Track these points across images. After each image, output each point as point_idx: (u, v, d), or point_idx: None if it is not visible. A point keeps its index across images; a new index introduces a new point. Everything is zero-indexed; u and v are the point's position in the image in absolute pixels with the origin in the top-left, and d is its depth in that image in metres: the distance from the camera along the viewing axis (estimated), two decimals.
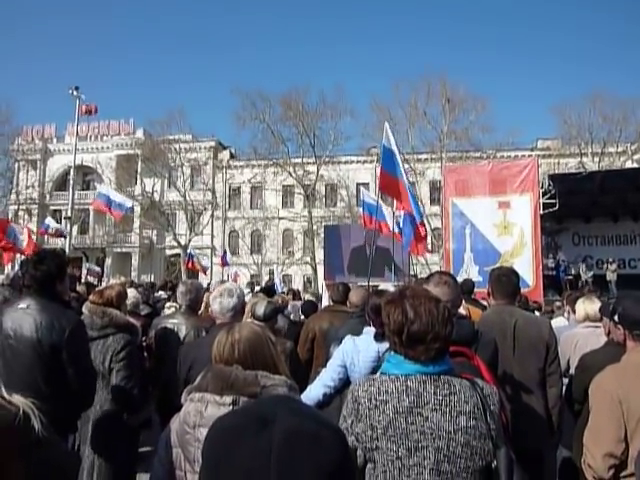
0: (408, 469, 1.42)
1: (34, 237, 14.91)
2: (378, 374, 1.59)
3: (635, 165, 29.55)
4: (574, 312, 4.36)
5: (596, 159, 31.95)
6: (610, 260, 16.61)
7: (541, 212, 11.65)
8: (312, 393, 2.84)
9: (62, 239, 19.29)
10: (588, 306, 3.86)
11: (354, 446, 1.48)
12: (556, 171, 24.55)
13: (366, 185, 33.65)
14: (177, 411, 1.63)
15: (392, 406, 1.45)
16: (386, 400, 1.46)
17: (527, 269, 10.79)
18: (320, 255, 25.48)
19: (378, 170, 8.74)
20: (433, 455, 1.41)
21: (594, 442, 2.09)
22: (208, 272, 31.23)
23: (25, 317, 2.52)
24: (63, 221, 27.08)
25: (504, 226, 11.68)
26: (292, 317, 6.41)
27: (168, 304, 6.07)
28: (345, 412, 1.54)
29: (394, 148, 7.15)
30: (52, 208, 39.84)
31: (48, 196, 42.02)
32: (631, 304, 2.32)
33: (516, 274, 3.22)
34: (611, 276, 16.15)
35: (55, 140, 42.32)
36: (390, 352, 1.62)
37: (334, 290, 5.00)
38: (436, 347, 1.49)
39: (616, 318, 2.35)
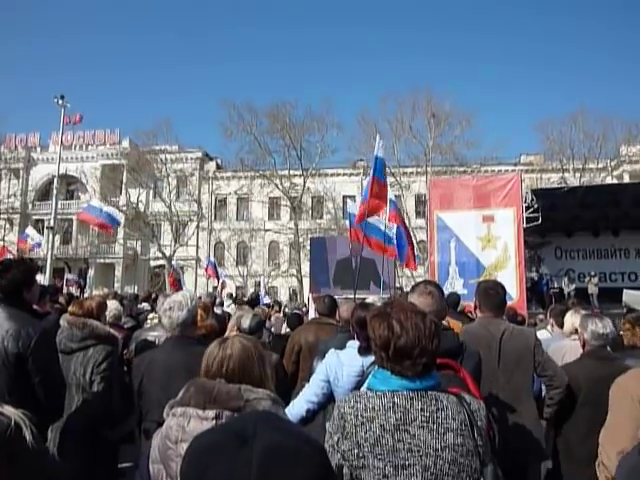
0: None
1: (12, 248, 14.71)
2: (364, 390, 1.56)
3: (615, 181, 30.22)
4: (558, 325, 4.40)
5: (577, 174, 32.64)
6: (592, 274, 16.84)
7: (524, 226, 11.81)
8: (295, 410, 2.76)
9: (44, 250, 18.97)
10: (576, 320, 3.84)
11: (340, 464, 1.45)
12: (538, 186, 24.97)
13: (352, 198, 33.79)
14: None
15: (379, 423, 1.43)
16: (372, 417, 1.44)
17: (511, 282, 10.88)
18: (306, 267, 25.44)
19: (365, 182, 8.90)
20: (420, 473, 1.39)
21: (610, 441, 2.10)
22: (189, 285, 30.97)
23: None
24: (45, 231, 26.71)
25: (488, 239, 11.79)
26: (273, 329, 6.37)
27: (151, 315, 5.99)
28: (331, 429, 1.51)
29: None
30: (34, 218, 39.25)
31: (30, 205, 41.38)
32: None
33: (502, 287, 3.22)
34: (593, 289, 16.36)
35: (39, 149, 41.80)
36: (376, 367, 1.60)
37: (320, 302, 4.97)
38: (423, 362, 1.47)
39: None
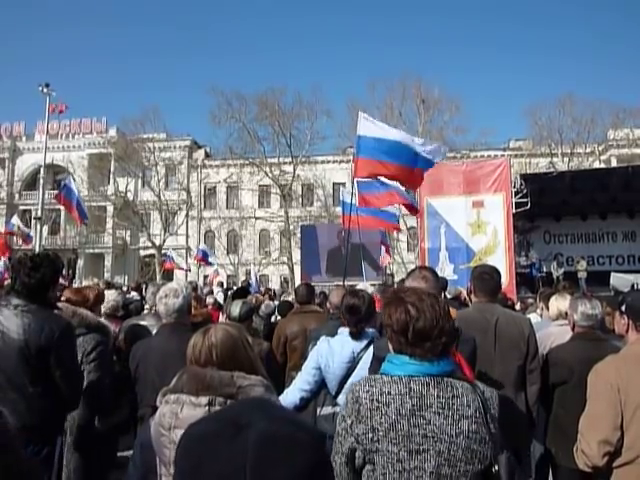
0: (408, 472, 1.41)
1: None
2: (379, 375, 1.56)
3: (602, 165, 30.46)
4: (547, 309, 4.41)
5: (565, 159, 32.88)
6: (581, 257, 17.04)
7: (513, 211, 11.88)
8: (289, 398, 2.83)
9: (32, 240, 18.69)
10: (561, 303, 3.83)
11: (353, 447, 1.46)
12: (527, 171, 25.08)
13: (342, 185, 33.75)
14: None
15: (395, 408, 1.43)
16: (388, 402, 1.44)
17: (500, 267, 10.94)
18: (297, 255, 25.44)
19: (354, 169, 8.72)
20: (434, 459, 1.41)
21: (590, 429, 2.10)
22: (179, 274, 30.85)
23: (13, 319, 2.51)
24: (33, 221, 26.36)
25: (478, 225, 11.86)
26: (272, 319, 6.37)
27: (147, 306, 5.93)
28: (345, 412, 1.51)
29: (383, 133, 6.70)
30: (21, 208, 38.71)
31: (17, 196, 40.83)
32: None
33: (498, 272, 3.23)
34: (581, 273, 16.57)
35: (24, 138, 41.10)
36: (386, 352, 1.60)
37: (297, 293, 4.96)
38: (442, 342, 1.48)
39: (623, 308, 2.36)
